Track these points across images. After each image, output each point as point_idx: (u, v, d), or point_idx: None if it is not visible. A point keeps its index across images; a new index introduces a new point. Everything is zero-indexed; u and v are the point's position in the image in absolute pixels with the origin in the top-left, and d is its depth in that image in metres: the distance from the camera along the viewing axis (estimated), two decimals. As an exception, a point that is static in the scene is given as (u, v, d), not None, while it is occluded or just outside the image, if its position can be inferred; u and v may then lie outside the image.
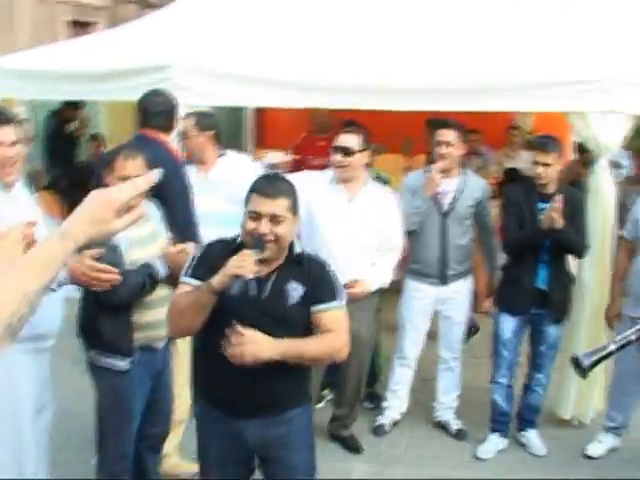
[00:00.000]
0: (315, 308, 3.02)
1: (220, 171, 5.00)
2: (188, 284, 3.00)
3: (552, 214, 4.38)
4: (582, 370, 2.63)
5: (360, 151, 4.55)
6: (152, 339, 3.80)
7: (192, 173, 4.87)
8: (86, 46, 6.97)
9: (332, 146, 4.61)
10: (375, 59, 5.36)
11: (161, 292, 3.78)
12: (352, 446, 5.00)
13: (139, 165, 3.71)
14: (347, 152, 4.53)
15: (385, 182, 5.27)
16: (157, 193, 3.93)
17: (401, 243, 4.74)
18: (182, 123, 4.98)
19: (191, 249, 3.71)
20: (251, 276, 2.86)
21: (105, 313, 3.69)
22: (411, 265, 5.05)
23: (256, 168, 5.21)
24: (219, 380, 3.05)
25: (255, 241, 2.91)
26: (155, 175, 1.74)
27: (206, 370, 3.08)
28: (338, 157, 4.56)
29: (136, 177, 3.47)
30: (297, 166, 7.12)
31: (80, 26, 12.59)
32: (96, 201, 1.64)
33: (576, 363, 2.65)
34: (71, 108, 9.58)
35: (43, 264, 1.59)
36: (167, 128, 4.57)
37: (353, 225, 4.59)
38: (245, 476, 3.35)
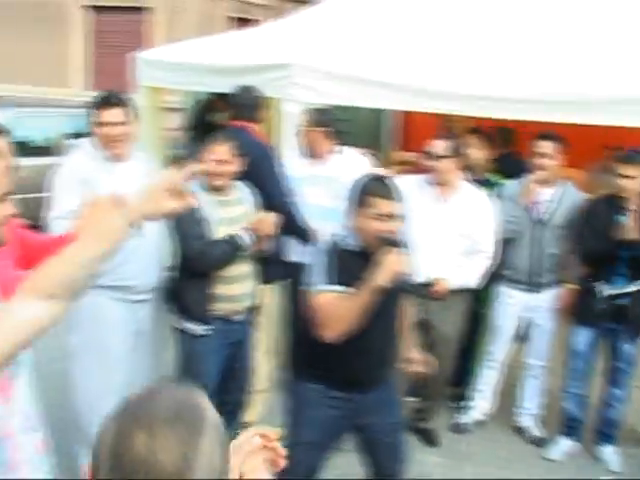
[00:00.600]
0: None
1: (332, 167, 5.25)
2: (336, 291, 3.22)
3: (628, 225, 4.38)
4: None
5: (448, 156, 4.71)
6: (231, 311, 4.19)
7: (304, 165, 5.24)
8: (229, 41, 7.43)
9: (424, 150, 4.81)
10: (500, 67, 5.45)
11: (243, 268, 4.19)
12: (429, 439, 5.16)
13: (226, 150, 4.13)
14: (436, 157, 4.72)
15: (492, 185, 5.35)
16: (249, 176, 4.37)
17: (492, 248, 4.85)
18: (300, 118, 5.32)
19: (273, 218, 4.10)
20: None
21: (187, 281, 4.13)
22: (504, 271, 5.15)
23: (368, 168, 5.43)
24: (353, 363, 3.37)
25: (388, 240, 3.16)
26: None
27: (340, 356, 3.32)
28: (428, 161, 4.76)
29: (225, 162, 3.90)
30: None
31: (242, 22, 13.21)
32: (150, 185, 1.98)
33: None
34: (217, 99, 10.09)
35: (102, 236, 1.91)
36: (255, 119, 4.90)
37: (442, 226, 4.77)
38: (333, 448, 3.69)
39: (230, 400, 4.47)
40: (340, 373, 3.41)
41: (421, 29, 6.15)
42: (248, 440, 1.67)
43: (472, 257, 4.82)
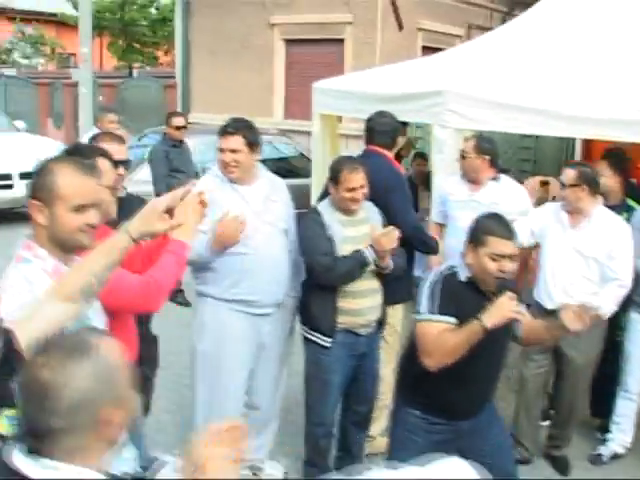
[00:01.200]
0: None
1: (488, 193, 5.39)
2: (444, 322, 3.36)
3: None
4: None
5: (577, 185, 4.73)
6: (356, 324, 4.41)
7: (462, 190, 5.49)
8: (397, 70, 7.74)
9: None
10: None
11: (369, 283, 4.40)
12: (560, 467, 5.11)
13: (362, 177, 4.34)
14: (566, 185, 4.77)
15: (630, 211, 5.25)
16: (381, 201, 4.59)
17: (629, 275, 4.76)
18: (463, 144, 5.54)
19: (395, 233, 4.28)
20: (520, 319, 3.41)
21: (315, 295, 4.40)
22: (636, 297, 5.02)
23: (522, 199, 5.53)
24: (456, 394, 3.51)
25: (501, 282, 3.34)
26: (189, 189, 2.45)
27: (444, 386, 3.46)
28: (560, 190, 4.85)
29: (360, 188, 4.15)
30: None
31: (432, 51, 13.46)
32: (148, 207, 2.36)
33: None
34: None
35: (107, 251, 2.35)
36: (390, 145, 5.11)
37: (574, 253, 4.76)
38: None
39: (359, 411, 4.69)
40: (440, 403, 3.54)
41: (574, 56, 6.13)
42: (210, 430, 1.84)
43: (607, 284, 4.76)
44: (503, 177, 5.59)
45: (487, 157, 5.38)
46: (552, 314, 4.53)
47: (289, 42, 15.07)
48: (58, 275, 2.45)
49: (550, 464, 5.14)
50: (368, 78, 7.66)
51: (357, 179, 4.33)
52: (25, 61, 23.75)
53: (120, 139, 4.16)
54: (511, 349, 4.05)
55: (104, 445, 1.71)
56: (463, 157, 5.45)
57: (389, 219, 4.59)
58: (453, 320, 3.34)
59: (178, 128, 8.20)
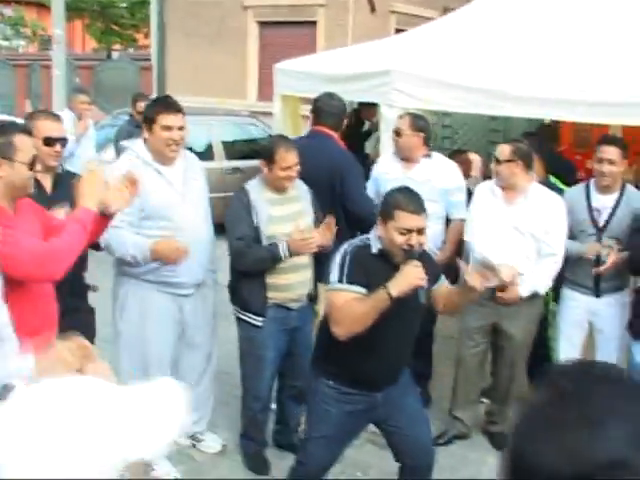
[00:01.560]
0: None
1: (422, 171, 5.40)
2: (352, 291, 3.42)
3: None
4: None
5: (512, 160, 4.75)
6: (287, 299, 4.47)
7: (396, 169, 5.45)
8: (352, 52, 7.77)
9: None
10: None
11: (298, 259, 4.43)
12: (497, 443, 5.17)
13: (296, 155, 4.39)
14: (500, 161, 4.77)
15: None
16: (331, 181, 4.64)
17: (562, 251, 4.82)
18: (397, 121, 5.53)
19: (316, 239, 4.31)
20: (426, 285, 3.45)
21: (242, 277, 4.43)
22: (567, 274, 5.08)
23: (456, 174, 5.57)
24: (366, 364, 3.56)
25: (409, 253, 3.39)
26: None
27: (354, 355, 3.52)
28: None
29: (294, 166, 4.18)
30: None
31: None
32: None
33: None
34: (366, 108, 10.42)
35: None
36: (337, 126, 5.14)
37: (510, 229, 4.80)
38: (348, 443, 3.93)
39: (295, 385, 4.75)
40: (351, 372, 3.59)
41: (524, 38, 6.17)
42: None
43: (543, 260, 4.81)
44: (435, 154, 5.58)
45: (422, 134, 5.37)
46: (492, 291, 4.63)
47: (262, 24, 15.07)
48: None
49: (488, 440, 5.21)
50: (326, 59, 7.69)
51: (292, 157, 4.37)
52: (5, 43, 23.65)
53: (56, 116, 4.22)
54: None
55: None
56: (398, 134, 5.42)
57: (341, 200, 4.61)
58: (362, 290, 3.39)
59: (140, 112, 8.24)
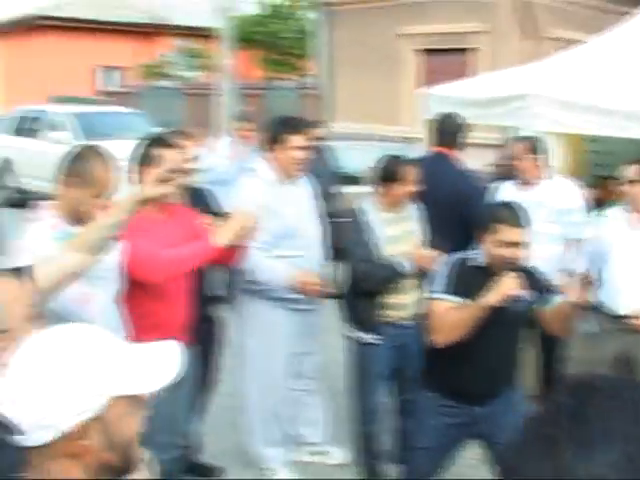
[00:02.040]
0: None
1: (537, 192, 5.37)
2: (449, 301, 3.54)
3: None
4: None
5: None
6: (399, 317, 4.55)
7: (514, 191, 5.44)
8: (499, 75, 7.81)
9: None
10: None
11: (411, 281, 4.52)
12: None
13: (416, 173, 4.47)
14: (627, 182, 4.67)
15: None
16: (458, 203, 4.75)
17: None
18: (515, 146, 5.57)
19: (435, 255, 4.36)
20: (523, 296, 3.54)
21: (362, 296, 4.56)
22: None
23: (575, 194, 5.51)
24: (463, 374, 3.66)
25: (509, 265, 3.48)
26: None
27: (452, 366, 3.65)
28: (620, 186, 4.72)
29: (413, 183, 4.29)
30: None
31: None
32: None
33: None
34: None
35: (114, 214, 2.87)
36: (452, 144, 5.24)
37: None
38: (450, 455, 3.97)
39: (407, 399, 4.77)
40: (449, 384, 3.67)
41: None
42: None
43: None
44: (556, 176, 5.55)
45: (540, 157, 5.39)
46: (623, 319, 4.53)
47: (424, 51, 15.29)
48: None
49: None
50: (471, 84, 7.77)
51: (412, 174, 4.45)
52: (183, 74, 25.07)
53: (188, 136, 4.49)
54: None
55: None
56: (517, 158, 5.44)
57: (466, 220, 4.65)
58: (461, 300, 3.48)
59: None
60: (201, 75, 25.70)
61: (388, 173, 4.51)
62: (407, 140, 12.43)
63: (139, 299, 3.43)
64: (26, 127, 14.59)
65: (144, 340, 3.26)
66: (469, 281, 3.53)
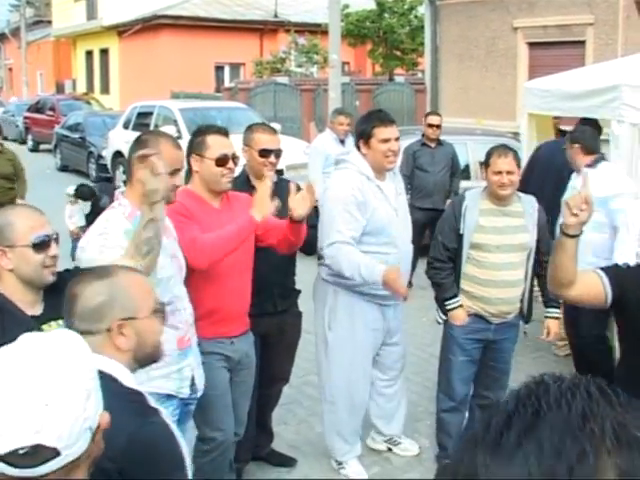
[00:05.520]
0: None
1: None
2: None
3: None
4: None
5: None
6: (484, 311, 4.54)
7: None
8: (595, 68, 7.62)
9: None
10: None
11: (504, 276, 4.46)
12: None
13: (509, 162, 4.37)
14: None
15: None
16: None
17: None
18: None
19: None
20: None
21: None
22: None
23: (618, 181, 5.45)
24: None
25: None
26: None
27: None
28: None
29: (507, 173, 4.23)
30: None
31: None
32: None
33: None
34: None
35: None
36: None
37: None
38: None
39: (487, 396, 4.78)
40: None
41: None
42: None
43: None
44: (601, 163, 5.49)
45: (577, 145, 5.52)
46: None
47: (532, 45, 14.97)
48: (133, 218, 3.06)
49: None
50: (567, 77, 7.60)
51: (504, 162, 4.35)
52: (299, 69, 25.37)
53: (272, 130, 4.55)
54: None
55: (123, 356, 2.16)
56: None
57: None
58: None
59: (432, 126, 8.55)
60: (316, 71, 25.97)
61: (485, 158, 4.52)
62: (514, 135, 12.21)
63: (192, 287, 3.50)
64: (139, 122, 15.17)
65: (201, 328, 3.41)
66: None
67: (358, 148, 4.48)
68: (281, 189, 4.11)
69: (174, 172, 3.13)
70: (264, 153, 4.25)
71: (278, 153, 4.34)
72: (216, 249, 3.50)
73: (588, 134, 5.58)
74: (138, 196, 3.06)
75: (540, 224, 4.56)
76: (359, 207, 4.30)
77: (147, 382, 2.84)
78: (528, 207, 4.54)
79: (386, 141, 4.36)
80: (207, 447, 3.93)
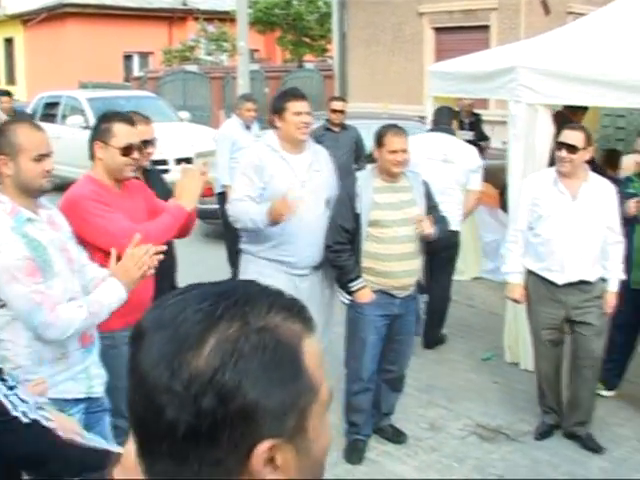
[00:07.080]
0: None
1: None
2: None
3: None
4: None
5: (583, 149, 4.69)
6: (388, 286, 4.61)
7: None
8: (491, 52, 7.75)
9: (557, 142, 4.83)
10: None
11: (402, 249, 4.58)
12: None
13: (404, 141, 4.53)
14: (572, 149, 4.70)
15: None
16: None
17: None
18: None
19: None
20: None
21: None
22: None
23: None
24: None
25: None
26: None
27: None
28: (563, 153, 4.73)
29: (402, 151, 4.29)
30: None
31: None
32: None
33: None
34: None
35: None
36: None
37: (579, 223, 4.75)
38: None
39: (392, 370, 4.89)
40: None
41: None
42: None
43: (612, 248, 4.84)
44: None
45: None
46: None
47: (438, 30, 15.19)
48: (15, 215, 2.92)
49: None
50: (470, 60, 7.71)
51: (399, 142, 4.51)
52: (209, 58, 25.14)
53: (147, 120, 4.59)
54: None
55: None
56: None
57: None
58: None
59: (334, 110, 8.59)
60: (227, 59, 25.79)
61: (377, 137, 4.61)
62: (422, 119, 12.38)
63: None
64: (47, 113, 14.79)
65: (111, 320, 3.33)
66: None
67: (272, 123, 4.78)
68: (153, 179, 4.42)
69: (41, 158, 2.98)
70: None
71: (152, 143, 4.53)
72: (157, 240, 3.41)
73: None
74: (13, 190, 2.98)
75: (427, 195, 4.74)
76: (256, 170, 4.64)
77: (52, 388, 2.78)
78: (414, 182, 4.72)
79: (298, 114, 4.61)
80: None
